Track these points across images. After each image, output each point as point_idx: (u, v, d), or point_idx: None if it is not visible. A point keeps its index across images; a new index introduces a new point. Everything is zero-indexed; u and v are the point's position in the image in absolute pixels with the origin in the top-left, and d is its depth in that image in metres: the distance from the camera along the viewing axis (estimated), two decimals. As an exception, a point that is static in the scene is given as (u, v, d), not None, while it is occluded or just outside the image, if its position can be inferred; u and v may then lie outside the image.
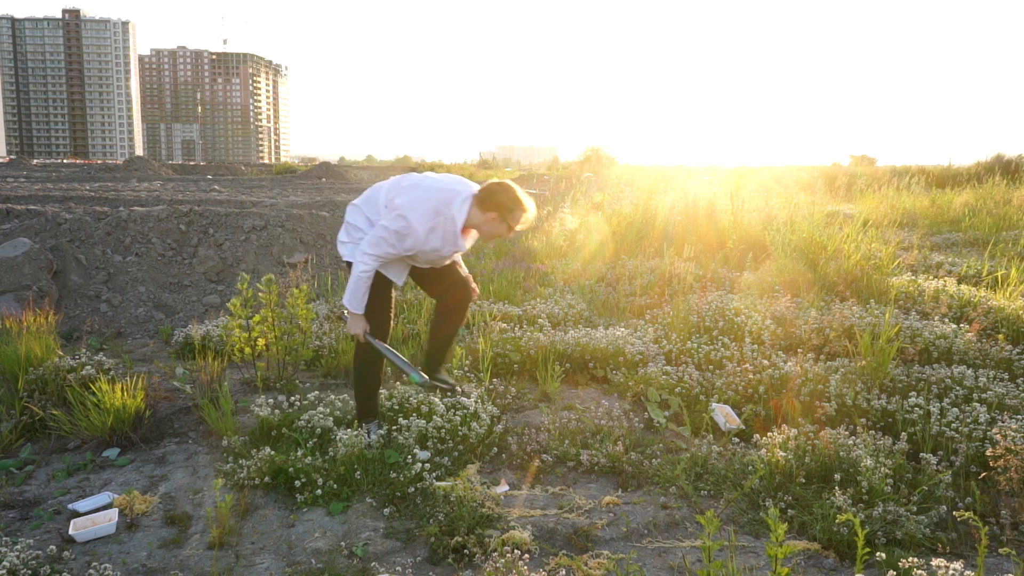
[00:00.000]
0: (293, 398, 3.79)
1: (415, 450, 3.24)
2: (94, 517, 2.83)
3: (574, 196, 12.18)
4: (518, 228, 3.29)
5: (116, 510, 2.87)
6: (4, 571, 2.38)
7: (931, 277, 6.50)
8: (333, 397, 3.77)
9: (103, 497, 3.00)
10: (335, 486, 3.04)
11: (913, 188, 15.39)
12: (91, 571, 2.39)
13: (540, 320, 5.26)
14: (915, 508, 2.72)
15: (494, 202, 3.22)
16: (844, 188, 16.83)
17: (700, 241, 7.90)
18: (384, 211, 3.25)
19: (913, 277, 6.37)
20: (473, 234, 3.42)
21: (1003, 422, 3.22)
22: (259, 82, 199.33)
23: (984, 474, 2.93)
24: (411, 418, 3.53)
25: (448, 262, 3.49)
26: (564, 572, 2.45)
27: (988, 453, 2.90)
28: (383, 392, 3.84)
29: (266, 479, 3.09)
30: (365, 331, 3.32)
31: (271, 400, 3.77)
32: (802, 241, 7.03)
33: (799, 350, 4.61)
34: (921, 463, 3.01)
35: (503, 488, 3.09)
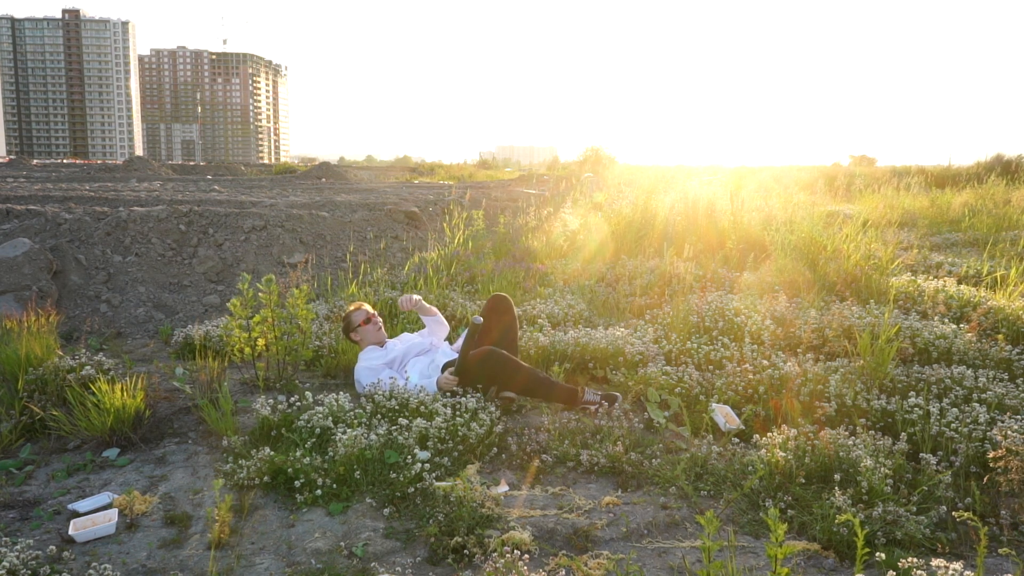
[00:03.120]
0: (293, 398, 3.79)
1: (415, 450, 3.24)
2: (94, 517, 2.82)
3: (574, 196, 12.20)
4: (361, 325, 4.38)
5: (116, 510, 2.87)
6: (4, 571, 2.38)
7: (931, 277, 6.50)
8: (332, 397, 3.77)
9: (103, 497, 3.00)
10: (335, 486, 3.04)
11: (913, 188, 15.40)
12: (91, 571, 2.39)
13: (540, 320, 5.27)
14: (915, 508, 2.72)
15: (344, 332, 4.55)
16: (844, 188, 16.83)
17: (700, 241, 7.90)
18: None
19: (913, 277, 6.37)
20: (402, 339, 4.49)
21: (1003, 422, 3.22)
22: (259, 82, 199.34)
23: (988, 476, 2.92)
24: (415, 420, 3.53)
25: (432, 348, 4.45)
26: (564, 572, 2.45)
27: (990, 456, 2.90)
28: (382, 392, 3.85)
29: (266, 479, 3.09)
30: (451, 372, 4.00)
31: (271, 400, 3.77)
32: (802, 241, 7.03)
33: (799, 350, 4.61)
34: (921, 463, 3.01)
35: (503, 488, 3.09)
